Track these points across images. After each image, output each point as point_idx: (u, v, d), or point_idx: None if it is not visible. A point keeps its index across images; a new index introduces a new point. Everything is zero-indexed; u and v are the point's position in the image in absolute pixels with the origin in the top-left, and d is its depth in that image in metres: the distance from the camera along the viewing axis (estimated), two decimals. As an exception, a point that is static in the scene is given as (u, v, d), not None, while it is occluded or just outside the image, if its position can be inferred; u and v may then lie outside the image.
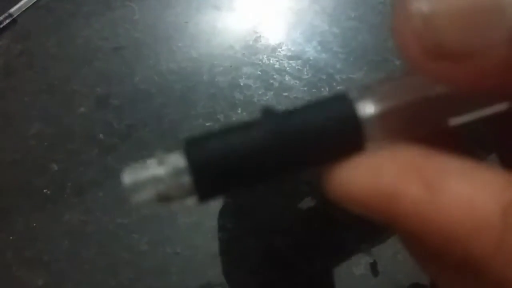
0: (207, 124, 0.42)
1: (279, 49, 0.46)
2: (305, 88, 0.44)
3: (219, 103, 0.44)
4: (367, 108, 0.13)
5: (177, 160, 0.15)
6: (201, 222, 0.38)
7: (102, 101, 0.45)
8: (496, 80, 0.11)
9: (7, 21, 0.51)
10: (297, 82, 0.44)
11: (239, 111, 0.43)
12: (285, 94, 0.44)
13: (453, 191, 0.11)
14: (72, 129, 0.44)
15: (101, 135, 0.43)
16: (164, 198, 0.15)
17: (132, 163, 0.15)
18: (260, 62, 0.46)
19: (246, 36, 0.48)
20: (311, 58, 0.45)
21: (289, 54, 0.46)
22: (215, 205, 0.38)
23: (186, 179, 0.14)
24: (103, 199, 0.40)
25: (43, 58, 0.49)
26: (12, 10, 0.51)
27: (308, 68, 0.45)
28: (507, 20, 0.10)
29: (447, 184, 0.11)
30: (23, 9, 0.52)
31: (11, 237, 0.38)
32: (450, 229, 0.11)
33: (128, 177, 0.15)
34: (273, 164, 0.14)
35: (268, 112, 0.15)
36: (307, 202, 0.38)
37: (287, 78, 0.44)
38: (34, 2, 0.53)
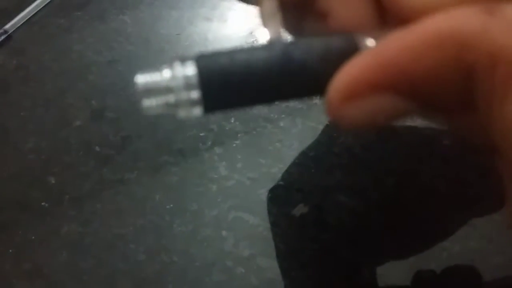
0: (200, 134, 0.43)
1: (270, 59, 0.47)
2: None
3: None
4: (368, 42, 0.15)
5: (188, 71, 0.16)
6: (197, 231, 0.39)
7: (97, 114, 0.46)
8: None
9: (2, 37, 0.52)
10: (289, 90, 0.45)
11: (232, 121, 0.44)
12: (277, 103, 0.44)
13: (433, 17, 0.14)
14: (69, 142, 0.45)
15: (97, 147, 0.44)
16: (172, 106, 0.16)
17: (147, 68, 0.16)
18: (251, 72, 0.46)
19: (237, 46, 0.48)
20: (301, 67, 0.46)
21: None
22: (212, 214, 0.39)
23: (194, 90, 0.16)
24: (100, 211, 0.40)
25: (38, 73, 0.50)
26: (7, 26, 0.52)
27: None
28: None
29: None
30: (18, 25, 0.53)
31: (10, 250, 0.39)
32: (437, 30, 0.14)
33: (141, 81, 0.16)
34: (278, 81, 0.15)
35: (274, 39, 0.16)
36: (300, 209, 0.39)
37: (278, 87, 0.45)
38: (29, 18, 0.53)
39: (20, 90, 0.48)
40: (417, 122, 0.41)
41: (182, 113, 0.16)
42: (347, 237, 0.37)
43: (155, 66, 0.16)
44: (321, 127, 0.42)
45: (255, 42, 0.49)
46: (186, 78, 0.16)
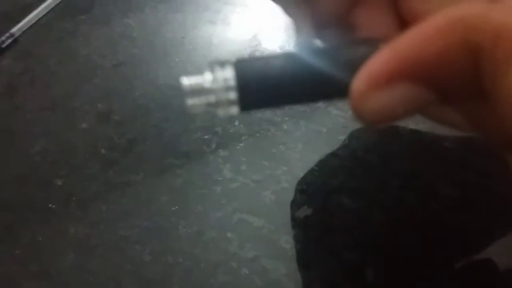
0: (205, 137, 0.44)
1: (274, 62, 0.48)
2: (300, 100, 0.45)
3: (216, 116, 0.45)
4: None
5: (227, 74, 0.18)
6: (202, 233, 0.39)
7: (103, 117, 0.47)
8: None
9: (9, 41, 0.52)
10: (292, 93, 0.45)
11: (236, 123, 0.44)
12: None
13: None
14: (75, 145, 0.45)
15: (103, 150, 0.45)
16: (213, 105, 0.18)
17: (192, 72, 0.19)
18: (255, 75, 0.47)
19: (241, 49, 0.49)
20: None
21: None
22: (216, 216, 0.40)
23: (233, 91, 0.18)
24: (106, 212, 0.41)
25: (44, 76, 0.50)
26: (13, 30, 0.53)
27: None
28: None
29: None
30: (24, 29, 0.53)
31: (17, 251, 0.40)
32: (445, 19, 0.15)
33: (186, 82, 0.19)
34: (309, 85, 0.17)
35: (306, 45, 0.18)
36: (304, 211, 0.39)
37: (282, 90, 0.46)
38: (35, 22, 0.54)
39: (27, 93, 0.49)
40: (420, 126, 0.41)
41: (221, 112, 0.18)
42: (351, 239, 0.38)
43: (199, 70, 0.18)
44: (324, 130, 0.43)
45: (258, 45, 0.49)
46: (226, 80, 0.18)
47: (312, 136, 0.43)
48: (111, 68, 0.49)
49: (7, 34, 0.52)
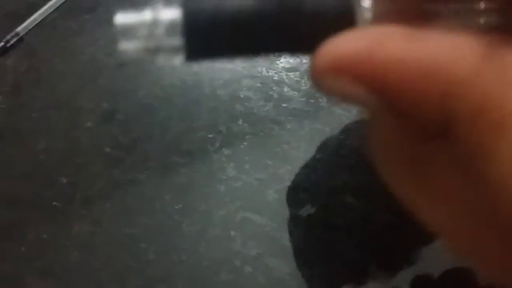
0: (209, 135, 0.44)
1: (278, 62, 0.48)
2: (304, 99, 0.45)
3: (220, 115, 0.45)
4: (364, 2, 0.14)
5: (172, 14, 0.15)
6: (205, 231, 0.39)
7: (108, 116, 0.47)
8: None
9: (14, 39, 0.53)
10: (296, 93, 0.46)
11: (240, 122, 0.44)
12: (284, 105, 0.45)
13: (434, 38, 0.13)
14: (80, 143, 0.45)
15: (107, 149, 0.45)
16: (151, 51, 0.15)
17: (128, 8, 0.15)
18: (259, 74, 0.47)
19: None
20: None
21: (288, 66, 0.47)
22: (220, 215, 0.40)
23: (178, 36, 0.14)
24: (110, 210, 0.41)
25: (50, 75, 0.50)
26: (18, 29, 0.53)
27: (306, 79, 0.46)
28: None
29: (428, 35, 0.13)
30: (30, 27, 0.54)
31: (22, 248, 0.40)
32: (432, 61, 0.13)
33: (121, 21, 0.15)
34: (268, 34, 0.15)
35: None
36: (307, 210, 0.39)
37: (286, 89, 0.46)
38: (40, 21, 0.54)
39: (32, 92, 0.49)
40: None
41: (161, 59, 0.15)
42: (354, 238, 0.38)
43: (137, 6, 0.15)
44: (328, 129, 0.43)
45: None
46: (170, 22, 0.15)
47: (315, 135, 0.43)
48: (116, 68, 0.50)
49: (12, 33, 0.52)
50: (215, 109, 0.46)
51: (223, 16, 0.15)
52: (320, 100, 0.45)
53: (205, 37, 0.15)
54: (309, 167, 0.41)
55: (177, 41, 0.15)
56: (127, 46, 0.16)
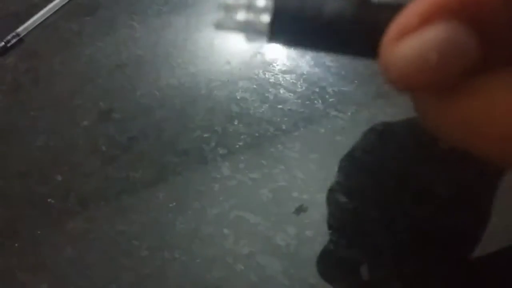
0: (205, 135, 0.44)
1: (274, 64, 0.48)
2: (299, 101, 0.45)
3: (216, 116, 0.45)
4: None
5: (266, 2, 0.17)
6: (199, 229, 0.39)
7: (104, 115, 0.47)
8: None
9: (15, 40, 0.53)
10: (292, 95, 0.46)
11: (235, 123, 0.45)
12: (279, 106, 0.45)
13: None
14: (76, 142, 0.46)
15: (103, 147, 0.45)
16: (241, 26, 0.17)
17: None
18: (256, 76, 0.48)
19: (242, 52, 0.50)
20: (304, 72, 0.47)
21: (284, 68, 0.48)
22: (213, 213, 0.40)
23: (267, 14, 0.17)
24: (104, 208, 0.41)
25: (48, 75, 0.51)
26: (19, 29, 0.54)
27: (302, 81, 0.46)
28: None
29: None
30: (30, 28, 0.54)
31: (16, 244, 0.40)
32: None
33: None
34: (348, 34, 0.16)
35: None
36: (300, 209, 0.39)
37: (281, 91, 0.46)
38: (41, 22, 0.55)
39: (31, 90, 0.50)
40: (416, 126, 0.41)
41: (248, 36, 0.17)
42: (347, 237, 0.38)
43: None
44: (322, 130, 0.43)
45: (260, 48, 0.50)
46: (264, 5, 0.17)
47: (310, 136, 0.43)
48: (114, 69, 0.50)
49: (13, 34, 0.53)
50: (212, 110, 0.46)
51: (309, 5, 0.17)
52: (315, 102, 0.45)
53: (291, 23, 0.17)
54: (303, 168, 0.41)
55: (266, 19, 0.18)
56: (221, 18, 0.17)
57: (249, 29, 0.17)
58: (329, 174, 0.41)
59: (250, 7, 0.17)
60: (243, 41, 0.48)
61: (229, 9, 0.17)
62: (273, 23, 0.16)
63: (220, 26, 0.17)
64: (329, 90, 0.45)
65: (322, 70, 0.47)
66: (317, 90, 0.46)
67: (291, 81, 0.47)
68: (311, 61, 0.48)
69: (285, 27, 0.17)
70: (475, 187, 0.38)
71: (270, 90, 0.47)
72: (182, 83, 0.48)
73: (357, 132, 0.42)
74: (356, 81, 0.45)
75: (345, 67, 0.46)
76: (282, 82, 0.47)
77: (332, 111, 0.44)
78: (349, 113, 0.43)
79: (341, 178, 0.40)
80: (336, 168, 0.41)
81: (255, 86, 0.47)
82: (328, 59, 0.47)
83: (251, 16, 0.17)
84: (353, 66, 0.46)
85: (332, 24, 0.16)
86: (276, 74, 0.48)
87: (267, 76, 0.48)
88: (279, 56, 0.49)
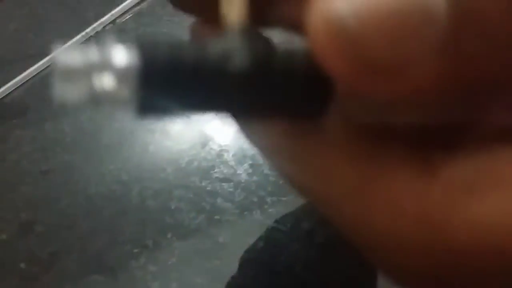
0: (134, 250, 0.41)
1: (211, 172, 0.46)
2: (237, 211, 0.43)
3: (148, 227, 0.43)
4: None
5: (126, 56, 0.11)
6: None
7: (25, 228, 0.43)
8: (433, 91, 0.09)
9: None
10: (230, 204, 0.44)
11: (169, 236, 0.42)
12: (217, 217, 0.43)
13: None
14: (-9, 259, 0.41)
15: (22, 264, 0.41)
16: (94, 98, 0.11)
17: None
18: (192, 184, 0.45)
19: (178, 159, 0.48)
20: (242, 180, 0.45)
21: (221, 176, 0.46)
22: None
23: (131, 82, 0.11)
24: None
25: (-34, 183, 0.47)
26: None
27: (240, 190, 0.44)
28: (436, 23, 0.09)
29: None
30: (-50, 132, 0.51)
31: None
32: None
33: (63, 59, 0.11)
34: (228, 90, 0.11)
35: (237, 31, 0.12)
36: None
37: (219, 200, 0.44)
38: (-37, 125, 0.52)
39: None
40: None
41: (107, 107, 0.12)
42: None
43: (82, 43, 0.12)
44: (261, 243, 0.41)
45: (196, 155, 0.48)
46: (125, 66, 0.11)
47: (248, 250, 0.41)
48: (39, 175, 0.47)
49: None
50: (143, 221, 0.43)
51: (182, 67, 0.12)
52: (253, 212, 0.43)
53: (161, 90, 0.12)
54: (241, 286, 0.38)
55: (126, 91, 0.12)
56: (65, 90, 0.12)
57: (105, 101, 0.12)
58: (268, 284, 0.38)
59: (103, 69, 0.12)
60: (180, 145, 0.45)
61: (73, 74, 0.12)
62: (141, 87, 0.12)
63: (64, 98, 0.12)
64: (268, 199, 0.44)
65: (260, 178, 0.45)
66: (255, 199, 0.44)
67: (228, 189, 0.45)
68: (249, 169, 0.46)
69: (154, 94, 0.12)
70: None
71: (207, 199, 0.44)
72: (112, 191, 0.45)
73: (297, 246, 0.40)
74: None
75: (284, 175, 0.45)
76: (220, 190, 0.45)
77: (271, 223, 0.42)
78: (288, 225, 0.41)
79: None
80: (274, 287, 0.38)
81: (191, 195, 0.45)
82: (266, 167, 0.46)
83: (105, 84, 0.12)
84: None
85: (208, 83, 0.12)
86: (214, 182, 0.45)
87: (204, 184, 0.45)
88: (216, 163, 0.47)
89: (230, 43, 0.13)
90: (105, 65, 0.12)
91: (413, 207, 0.09)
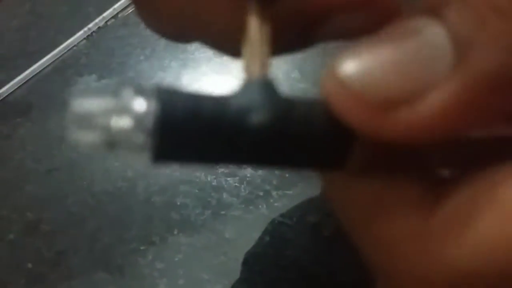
0: (141, 247, 0.41)
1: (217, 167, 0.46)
2: (243, 206, 0.43)
3: (154, 224, 0.42)
4: None
5: (144, 106, 0.11)
6: None
7: (32, 227, 0.43)
8: (450, 123, 0.09)
9: None
10: (235, 199, 0.44)
11: (175, 232, 0.42)
12: (222, 212, 0.43)
13: None
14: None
15: (29, 264, 0.41)
16: (110, 145, 0.11)
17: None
18: (197, 180, 0.45)
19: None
20: (248, 175, 0.45)
21: (226, 171, 0.45)
22: None
23: (149, 132, 0.11)
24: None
25: (-28, 183, 0.47)
26: None
27: (245, 185, 0.44)
28: (443, 61, 0.09)
29: None
30: (-45, 132, 0.51)
31: None
32: None
33: (79, 107, 0.11)
34: (257, 148, 0.11)
35: (259, 81, 0.12)
36: None
37: (224, 195, 0.44)
38: (-33, 125, 0.52)
39: (-50, 201, 0.45)
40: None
41: (123, 156, 0.12)
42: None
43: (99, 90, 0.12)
44: (267, 238, 0.41)
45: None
46: (142, 115, 0.11)
47: (256, 245, 0.40)
48: (44, 174, 0.47)
49: None
50: (149, 218, 0.43)
51: (200, 117, 0.12)
52: (259, 206, 0.43)
53: (178, 139, 0.12)
54: (248, 281, 0.38)
55: (142, 137, 0.12)
56: (81, 137, 0.12)
57: (120, 147, 0.12)
58: (275, 287, 0.38)
59: (117, 119, 0.12)
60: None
61: (89, 120, 0.12)
62: (158, 139, 0.12)
63: (80, 145, 0.12)
64: (274, 193, 0.43)
65: (265, 172, 0.45)
66: (261, 194, 0.43)
67: (234, 184, 0.45)
68: (255, 162, 0.46)
69: (171, 144, 0.12)
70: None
71: (212, 194, 0.44)
72: (117, 188, 0.45)
73: (304, 239, 0.40)
74: (300, 184, 0.43)
75: (290, 169, 0.45)
76: (225, 185, 0.45)
77: (277, 217, 0.42)
78: (294, 219, 0.41)
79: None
80: (282, 280, 0.38)
81: (196, 191, 0.44)
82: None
83: (121, 132, 0.12)
84: (297, 168, 0.44)
85: (231, 137, 0.12)
86: (219, 177, 0.45)
87: (209, 179, 0.45)
88: (221, 157, 0.47)
89: (250, 96, 0.12)
90: (123, 110, 0.12)
91: (411, 244, 0.09)
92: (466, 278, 0.09)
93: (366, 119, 0.10)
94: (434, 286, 0.10)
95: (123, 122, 0.12)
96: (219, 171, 0.46)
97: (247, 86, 0.12)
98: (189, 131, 0.12)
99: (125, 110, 0.12)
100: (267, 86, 0.12)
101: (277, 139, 0.12)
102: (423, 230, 0.10)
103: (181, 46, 0.53)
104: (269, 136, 0.12)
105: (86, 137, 0.13)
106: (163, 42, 0.55)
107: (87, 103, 0.13)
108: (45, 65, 0.56)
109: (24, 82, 0.55)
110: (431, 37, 0.09)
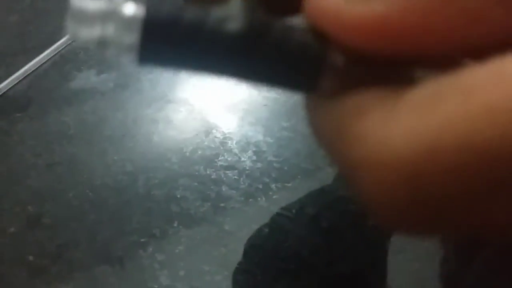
0: (142, 240, 0.41)
1: (216, 160, 0.46)
2: (242, 198, 0.44)
3: (154, 217, 0.43)
4: None
5: (132, 10, 0.12)
6: None
7: (33, 221, 0.44)
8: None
9: None
10: (234, 192, 0.44)
11: (175, 225, 0.42)
12: (222, 205, 0.43)
13: None
14: (1, 252, 0.42)
15: (30, 257, 0.41)
16: (104, 44, 0.12)
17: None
18: (197, 173, 0.46)
19: (182, 147, 0.48)
20: (247, 168, 0.45)
21: (226, 164, 0.46)
22: None
23: (135, 32, 0.12)
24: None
25: (-27, 177, 0.47)
26: None
27: (244, 177, 0.45)
28: None
29: None
30: (-45, 127, 0.51)
31: None
32: None
33: (77, 4, 0.12)
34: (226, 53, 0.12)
35: None
36: None
37: (224, 188, 0.44)
38: (-33, 120, 0.52)
39: (-49, 196, 0.46)
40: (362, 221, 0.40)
41: (113, 52, 0.12)
42: None
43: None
44: (267, 230, 0.41)
45: (200, 143, 0.48)
46: (128, 16, 0.12)
47: (254, 237, 0.41)
48: (45, 168, 0.47)
49: None
50: (149, 211, 0.43)
51: (182, 24, 0.12)
52: (259, 199, 0.43)
53: (162, 41, 0.13)
54: (247, 272, 0.39)
55: (132, 38, 0.13)
56: (77, 32, 0.13)
57: (112, 44, 0.12)
58: (275, 279, 0.38)
59: (112, 16, 0.13)
60: (184, 135, 0.46)
61: (85, 18, 0.13)
62: (144, 36, 0.13)
63: (74, 38, 0.13)
64: (273, 186, 0.44)
65: (264, 165, 0.45)
66: (260, 186, 0.44)
67: (233, 177, 0.45)
68: (253, 156, 0.46)
69: (156, 46, 0.13)
70: None
71: (212, 187, 0.44)
72: (118, 182, 0.46)
73: (303, 231, 0.40)
74: (299, 176, 0.44)
75: (288, 162, 0.45)
76: (224, 178, 0.45)
77: (276, 209, 0.42)
78: (293, 211, 0.42)
79: (287, 283, 0.38)
80: (281, 272, 0.38)
81: (196, 184, 0.45)
82: (270, 153, 0.46)
83: (114, 27, 0.13)
84: (295, 161, 0.45)
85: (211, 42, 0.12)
86: (218, 170, 0.46)
87: (208, 172, 0.46)
88: (220, 151, 0.47)
89: (231, 9, 0.13)
90: (114, 13, 0.13)
91: (378, 123, 0.09)
92: (429, 152, 0.09)
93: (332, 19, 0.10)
94: (398, 162, 0.10)
95: (114, 23, 0.13)
96: (218, 165, 0.46)
97: (230, 1, 0.13)
98: (172, 34, 0.12)
99: (116, 12, 0.13)
100: (250, 3, 0.13)
101: (252, 50, 0.12)
102: (391, 111, 0.10)
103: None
104: (244, 46, 0.12)
105: (82, 34, 0.14)
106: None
107: (84, 3, 0.14)
108: (44, 60, 0.56)
109: (23, 78, 0.55)
110: None
